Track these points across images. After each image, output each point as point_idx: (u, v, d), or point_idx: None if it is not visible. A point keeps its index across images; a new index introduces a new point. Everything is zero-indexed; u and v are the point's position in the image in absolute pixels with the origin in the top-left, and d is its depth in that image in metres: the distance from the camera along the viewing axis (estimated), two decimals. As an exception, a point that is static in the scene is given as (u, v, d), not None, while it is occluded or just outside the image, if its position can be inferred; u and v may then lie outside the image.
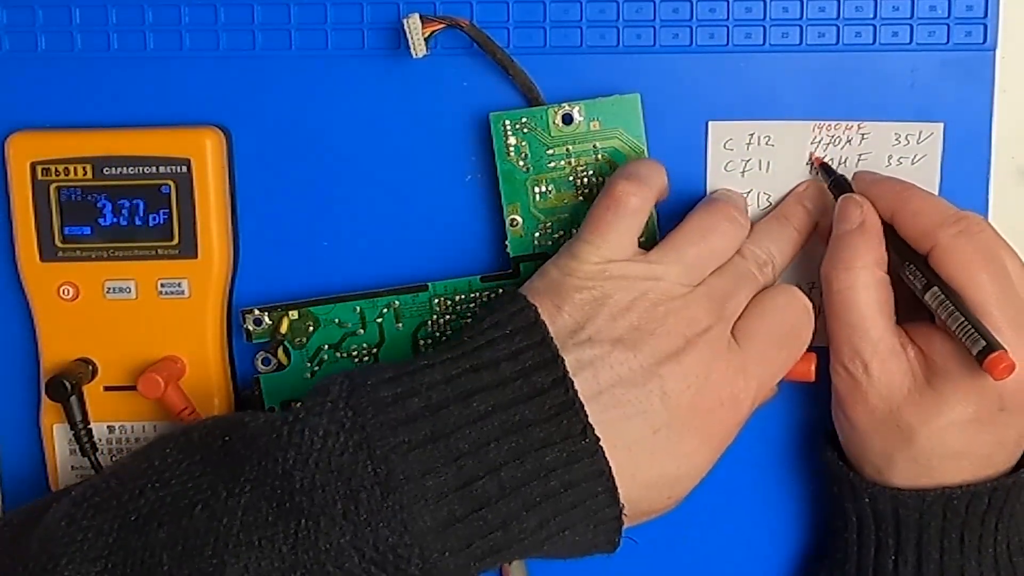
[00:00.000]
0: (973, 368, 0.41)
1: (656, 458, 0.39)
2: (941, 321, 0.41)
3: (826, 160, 0.46)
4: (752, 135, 0.46)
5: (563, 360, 0.38)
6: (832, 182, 0.45)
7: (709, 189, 0.47)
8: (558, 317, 0.40)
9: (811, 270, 0.47)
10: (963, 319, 0.40)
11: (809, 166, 0.46)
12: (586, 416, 0.38)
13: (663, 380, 0.39)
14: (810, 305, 0.44)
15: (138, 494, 0.38)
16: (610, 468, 0.38)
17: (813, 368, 0.45)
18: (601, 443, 0.38)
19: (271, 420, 0.38)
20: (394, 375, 0.38)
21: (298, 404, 0.38)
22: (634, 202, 0.42)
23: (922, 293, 0.42)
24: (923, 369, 0.42)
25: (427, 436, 0.37)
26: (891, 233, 0.43)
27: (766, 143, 0.46)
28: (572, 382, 0.38)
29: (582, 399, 0.38)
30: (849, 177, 0.45)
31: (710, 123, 0.46)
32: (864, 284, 0.42)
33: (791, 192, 0.46)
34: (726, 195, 0.46)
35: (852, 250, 0.42)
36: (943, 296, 0.41)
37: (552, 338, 0.39)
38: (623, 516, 0.39)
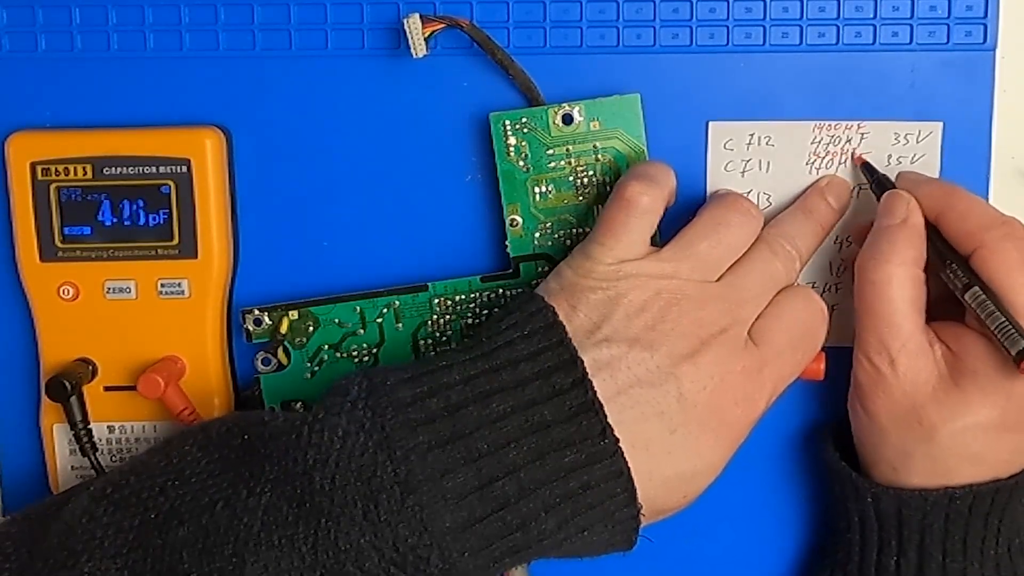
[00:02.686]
0: (1003, 370, 0.41)
1: (673, 457, 0.39)
2: (978, 322, 0.41)
3: (868, 160, 0.46)
4: (752, 135, 0.46)
5: (582, 361, 0.38)
6: (875, 182, 0.45)
7: (709, 189, 0.47)
8: (574, 317, 0.40)
9: (812, 269, 0.47)
10: (1004, 319, 0.40)
11: (808, 166, 0.46)
12: (605, 417, 0.38)
13: (680, 381, 0.39)
14: (825, 307, 0.43)
15: (158, 491, 0.38)
16: (629, 469, 0.38)
17: (823, 367, 0.45)
18: (620, 444, 0.38)
19: (291, 420, 0.38)
20: (413, 375, 0.38)
21: (305, 405, 0.38)
22: (645, 201, 0.42)
23: (962, 292, 0.41)
24: (950, 368, 0.42)
25: (446, 437, 0.37)
26: (933, 233, 0.43)
27: (766, 143, 0.46)
28: (591, 383, 0.38)
29: (601, 400, 0.38)
30: (892, 177, 0.45)
31: (710, 123, 0.46)
32: (900, 279, 0.42)
33: (812, 186, 0.46)
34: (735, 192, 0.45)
35: (893, 244, 0.42)
36: (983, 296, 0.41)
37: (570, 339, 0.39)
38: (641, 516, 0.39)
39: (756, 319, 0.42)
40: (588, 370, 0.38)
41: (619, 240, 0.42)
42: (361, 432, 0.37)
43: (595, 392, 0.38)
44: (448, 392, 0.38)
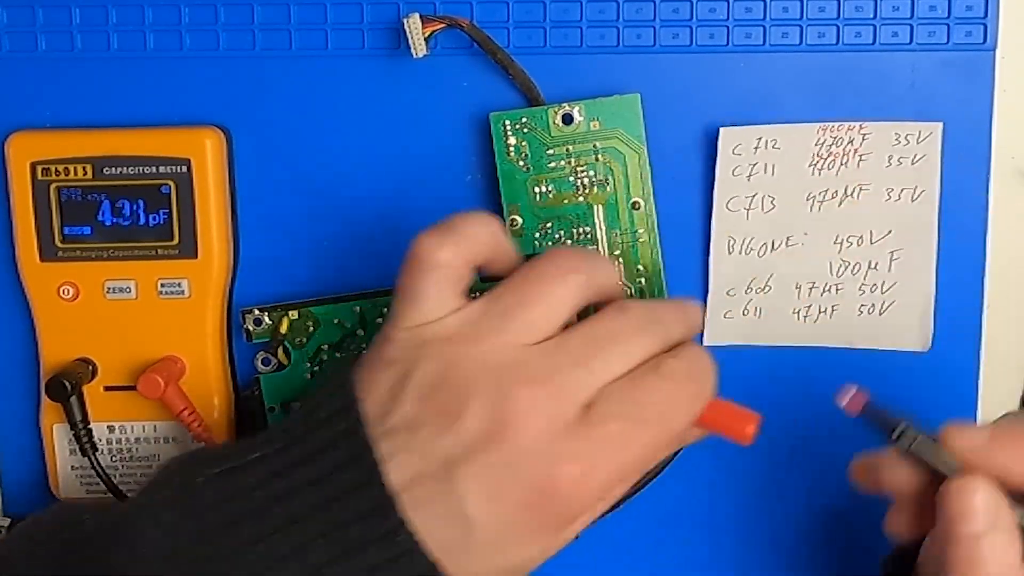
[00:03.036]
0: None
1: (483, 554, 0.35)
2: None
3: (857, 396, 0.38)
4: (760, 139, 0.46)
5: (373, 451, 0.35)
6: (910, 444, 0.36)
7: (717, 194, 0.46)
8: (369, 399, 0.36)
9: (812, 270, 0.47)
10: None
11: (810, 167, 0.46)
12: (396, 515, 0.34)
13: (473, 473, 0.34)
14: (696, 384, 0.37)
15: None
16: (435, 562, 0.34)
17: (750, 431, 0.38)
18: (419, 539, 0.34)
19: (106, 518, 0.37)
20: (222, 470, 0.36)
21: (135, 495, 0.37)
22: (443, 257, 0.37)
23: None
24: None
25: (251, 538, 0.35)
26: None
27: (772, 146, 0.46)
28: (380, 475, 0.34)
29: (394, 494, 0.34)
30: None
31: (721, 129, 0.46)
32: (995, 555, 0.35)
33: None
34: (582, 248, 0.40)
35: (980, 556, 0.35)
36: None
37: (364, 426, 0.35)
38: None
39: (608, 387, 0.36)
40: (381, 460, 0.34)
41: (415, 303, 0.37)
42: (168, 535, 0.35)
43: (383, 486, 0.34)
44: (254, 491, 0.35)
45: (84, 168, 0.46)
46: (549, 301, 0.37)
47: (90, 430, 0.48)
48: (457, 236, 0.37)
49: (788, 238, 0.47)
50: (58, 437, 0.49)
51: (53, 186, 0.46)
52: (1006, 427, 0.36)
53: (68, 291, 0.47)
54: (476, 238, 0.38)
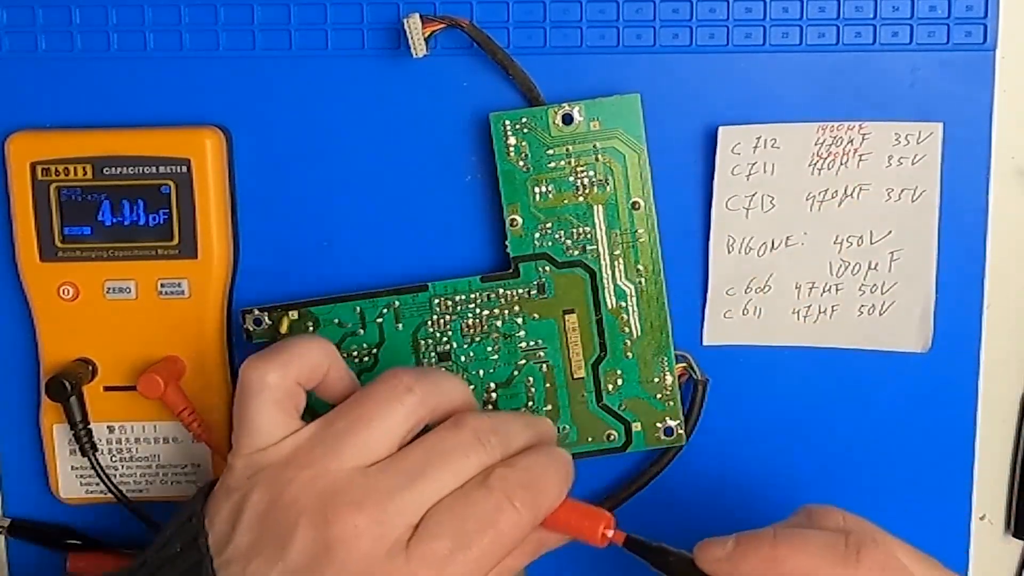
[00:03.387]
0: None
1: None
2: None
3: (633, 536, 0.38)
4: (759, 138, 0.46)
5: None
6: (669, 565, 0.38)
7: (716, 193, 0.46)
8: (212, 532, 0.36)
9: (812, 269, 0.47)
10: None
11: (810, 167, 0.46)
12: None
13: None
14: (542, 488, 0.37)
15: None
16: None
17: (601, 533, 0.38)
18: None
19: None
20: None
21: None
22: (270, 379, 0.38)
23: None
24: None
25: None
26: None
27: (771, 145, 0.46)
28: None
29: None
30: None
31: (720, 128, 0.46)
32: None
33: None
34: (422, 368, 0.40)
35: None
36: None
37: (207, 560, 0.35)
38: None
39: (436, 506, 0.36)
40: None
41: (248, 429, 0.38)
42: None
43: None
44: None
45: (84, 168, 0.46)
46: (381, 423, 0.37)
47: (90, 430, 0.48)
48: (284, 358, 0.38)
49: (788, 238, 0.47)
50: (58, 437, 0.49)
51: (53, 186, 0.46)
52: (748, 538, 0.36)
53: (68, 291, 0.47)
54: (304, 359, 0.39)
